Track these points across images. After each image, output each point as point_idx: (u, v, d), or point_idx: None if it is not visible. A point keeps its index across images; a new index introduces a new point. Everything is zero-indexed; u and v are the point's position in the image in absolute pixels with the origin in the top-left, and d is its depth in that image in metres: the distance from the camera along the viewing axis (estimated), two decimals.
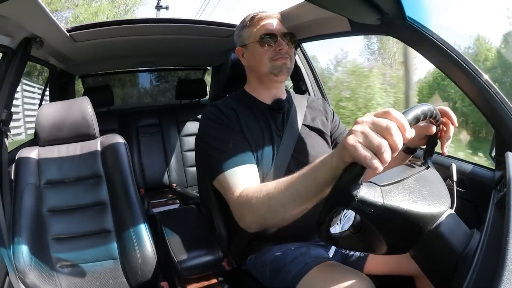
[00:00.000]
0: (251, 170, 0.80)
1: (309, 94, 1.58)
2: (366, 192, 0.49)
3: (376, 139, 0.45)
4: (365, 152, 0.45)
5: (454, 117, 0.64)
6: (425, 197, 0.53)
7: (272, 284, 0.82)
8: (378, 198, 0.49)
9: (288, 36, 0.90)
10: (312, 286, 0.72)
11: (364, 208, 0.48)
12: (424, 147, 0.71)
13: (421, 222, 0.52)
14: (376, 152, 0.45)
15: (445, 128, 0.65)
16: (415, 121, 0.52)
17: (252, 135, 0.86)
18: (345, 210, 1.03)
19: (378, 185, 0.51)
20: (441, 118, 0.63)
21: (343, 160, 0.48)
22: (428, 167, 0.64)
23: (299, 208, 0.61)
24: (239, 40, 0.96)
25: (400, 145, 0.45)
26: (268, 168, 0.86)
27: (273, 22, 0.91)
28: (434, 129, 0.64)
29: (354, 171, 0.47)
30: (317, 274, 0.74)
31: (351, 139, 0.47)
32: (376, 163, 0.45)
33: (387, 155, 0.45)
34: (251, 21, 0.91)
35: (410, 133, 0.47)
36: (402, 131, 0.46)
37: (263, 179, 0.84)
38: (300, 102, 1.00)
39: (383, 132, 0.45)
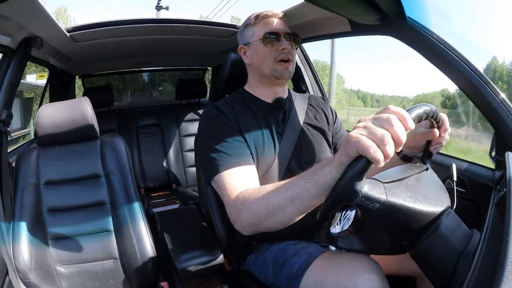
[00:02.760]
0: (249, 172, 0.79)
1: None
2: (369, 188, 0.49)
3: (379, 130, 0.46)
4: (369, 142, 0.45)
5: (447, 122, 0.65)
6: (426, 196, 0.54)
7: (277, 278, 0.81)
8: (381, 195, 0.49)
9: (291, 36, 0.91)
10: (320, 272, 0.70)
11: (368, 204, 0.48)
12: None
13: (423, 220, 0.52)
14: (379, 143, 0.45)
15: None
16: (418, 119, 0.52)
17: (251, 135, 0.86)
18: (344, 211, 1.03)
19: (381, 182, 0.51)
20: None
21: (348, 154, 0.48)
22: (427, 169, 0.64)
23: (297, 211, 0.60)
24: (242, 38, 0.96)
25: (402, 137, 0.46)
26: (269, 166, 0.86)
27: (277, 22, 0.91)
28: (436, 133, 0.64)
29: (358, 165, 0.47)
30: (323, 262, 0.72)
31: (354, 132, 0.48)
32: (380, 154, 0.45)
33: (390, 147, 0.45)
34: (255, 20, 0.92)
35: (411, 124, 0.47)
36: (403, 122, 0.47)
37: (264, 177, 0.84)
38: (301, 101, 1.00)
39: (384, 124, 0.46)
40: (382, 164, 0.46)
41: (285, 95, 0.97)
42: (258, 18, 0.92)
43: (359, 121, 0.49)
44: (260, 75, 0.93)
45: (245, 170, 0.79)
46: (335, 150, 0.99)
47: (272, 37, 0.89)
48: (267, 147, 0.87)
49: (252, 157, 0.84)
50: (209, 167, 0.82)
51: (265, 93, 0.95)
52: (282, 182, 0.64)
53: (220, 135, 0.82)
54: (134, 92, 3.18)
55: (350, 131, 0.51)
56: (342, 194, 0.48)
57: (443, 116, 0.65)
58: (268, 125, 0.90)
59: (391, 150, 0.45)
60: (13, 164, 1.10)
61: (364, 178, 0.48)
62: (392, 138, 0.46)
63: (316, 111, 1.01)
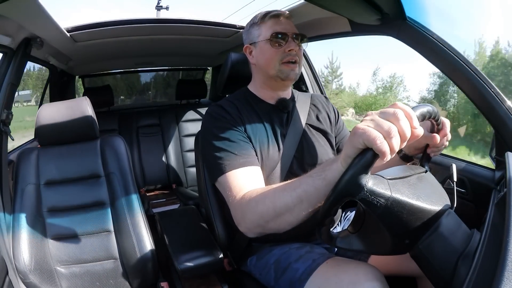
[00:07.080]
0: (254, 172, 0.78)
1: None
2: (374, 183, 0.49)
3: (386, 123, 0.46)
4: (375, 133, 0.46)
5: (448, 128, 0.65)
6: (428, 195, 0.54)
7: (278, 282, 0.80)
8: (386, 190, 0.49)
9: (298, 37, 0.88)
10: (324, 279, 0.70)
11: (372, 199, 0.48)
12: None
13: (425, 218, 0.52)
14: (386, 135, 0.46)
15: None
16: (421, 117, 0.53)
17: (256, 135, 0.85)
18: (344, 212, 1.03)
19: (385, 178, 0.51)
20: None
21: (354, 146, 0.48)
22: (426, 171, 0.64)
23: (305, 211, 0.59)
24: (248, 37, 0.93)
25: (407, 132, 0.46)
26: (273, 168, 0.85)
27: (285, 22, 0.89)
28: (437, 139, 0.64)
29: (364, 158, 0.47)
30: (327, 269, 0.72)
31: (361, 124, 0.48)
32: (386, 146, 0.45)
33: (396, 141, 0.46)
34: (263, 19, 0.89)
35: (417, 123, 0.48)
36: (408, 119, 0.47)
37: (267, 179, 0.83)
38: (303, 101, 0.99)
39: (391, 118, 0.47)
40: (388, 157, 0.46)
41: (288, 96, 0.96)
42: (266, 17, 0.89)
43: (366, 115, 0.50)
44: (266, 76, 0.90)
45: (251, 171, 0.78)
46: (337, 151, 0.99)
47: (279, 37, 0.86)
48: (271, 149, 0.86)
49: (257, 157, 0.83)
50: (214, 167, 0.80)
51: (270, 95, 0.93)
52: (289, 181, 0.63)
53: (225, 135, 0.81)
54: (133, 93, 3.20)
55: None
56: (347, 188, 0.48)
57: (445, 120, 0.64)
58: (272, 127, 0.89)
59: (397, 143, 0.46)
60: (13, 164, 1.10)
61: (369, 173, 0.48)
62: (398, 132, 0.46)
63: (319, 111, 0.99)
